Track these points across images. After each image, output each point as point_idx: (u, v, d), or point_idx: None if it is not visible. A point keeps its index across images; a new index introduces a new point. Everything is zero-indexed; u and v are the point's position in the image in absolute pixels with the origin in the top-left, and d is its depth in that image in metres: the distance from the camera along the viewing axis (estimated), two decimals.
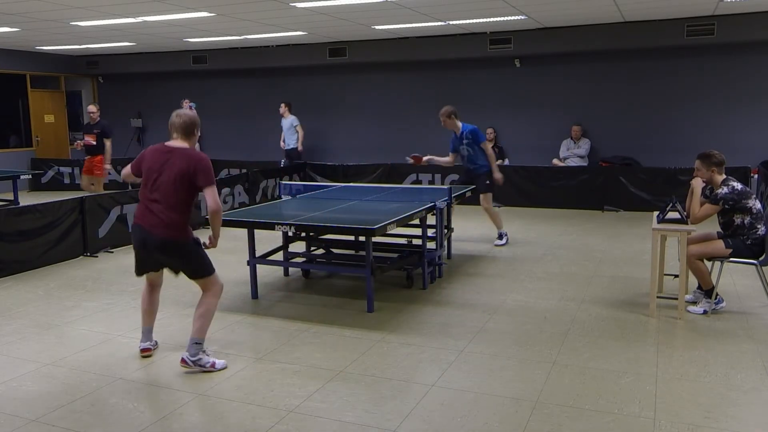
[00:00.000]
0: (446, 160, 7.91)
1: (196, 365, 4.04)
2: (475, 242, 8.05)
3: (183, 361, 4.05)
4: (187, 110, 4.14)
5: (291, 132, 12.27)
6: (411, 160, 7.99)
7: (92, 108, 9.94)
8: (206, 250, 4.13)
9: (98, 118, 9.91)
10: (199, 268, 4.08)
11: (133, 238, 4.10)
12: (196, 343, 4.05)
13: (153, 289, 4.34)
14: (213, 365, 4.09)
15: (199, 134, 4.15)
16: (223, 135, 14.13)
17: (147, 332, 4.39)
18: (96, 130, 9.79)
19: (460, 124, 7.62)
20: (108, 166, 9.92)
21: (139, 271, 4.20)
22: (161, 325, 4.75)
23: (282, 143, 12.42)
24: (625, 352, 4.34)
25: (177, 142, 4.04)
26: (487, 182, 7.66)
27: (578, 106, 11.42)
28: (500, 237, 7.94)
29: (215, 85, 14.27)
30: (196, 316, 4.07)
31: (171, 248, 3.99)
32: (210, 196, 3.94)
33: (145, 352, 4.35)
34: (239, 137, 13.90)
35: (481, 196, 7.70)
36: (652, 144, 10.96)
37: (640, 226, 8.71)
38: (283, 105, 12.31)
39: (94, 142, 9.74)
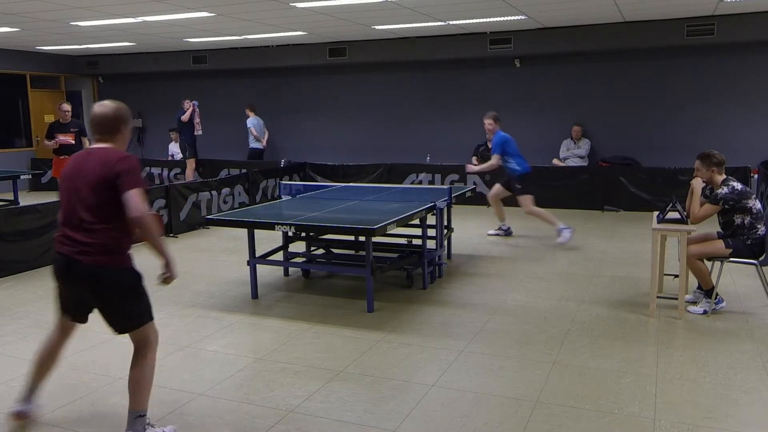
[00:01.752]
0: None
1: None
2: (475, 242, 8.05)
3: None
4: (110, 101, 3.19)
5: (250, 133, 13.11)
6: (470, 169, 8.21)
7: (67, 106, 9.58)
8: (165, 284, 3.16)
9: (70, 117, 9.61)
10: (135, 312, 3.10)
11: (52, 268, 3.18)
12: (139, 416, 3.09)
13: (62, 335, 3.31)
14: None
15: (129, 132, 3.21)
16: (223, 135, 14.13)
17: (29, 391, 3.34)
18: (74, 129, 9.51)
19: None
20: None
21: (63, 310, 3.25)
22: (161, 325, 4.74)
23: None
24: (625, 352, 4.34)
25: (98, 145, 3.14)
26: (518, 186, 7.77)
27: (578, 106, 11.41)
28: (559, 233, 7.69)
29: (215, 85, 14.27)
30: (132, 383, 3.10)
31: (101, 280, 3.03)
32: (132, 200, 2.92)
33: (18, 418, 3.30)
34: (239, 137, 13.88)
35: (519, 200, 7.80)
36: (652, 144, 10.96)
37: (640, 226, 8.71)
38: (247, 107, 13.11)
39: (73, 141, 9.43)
